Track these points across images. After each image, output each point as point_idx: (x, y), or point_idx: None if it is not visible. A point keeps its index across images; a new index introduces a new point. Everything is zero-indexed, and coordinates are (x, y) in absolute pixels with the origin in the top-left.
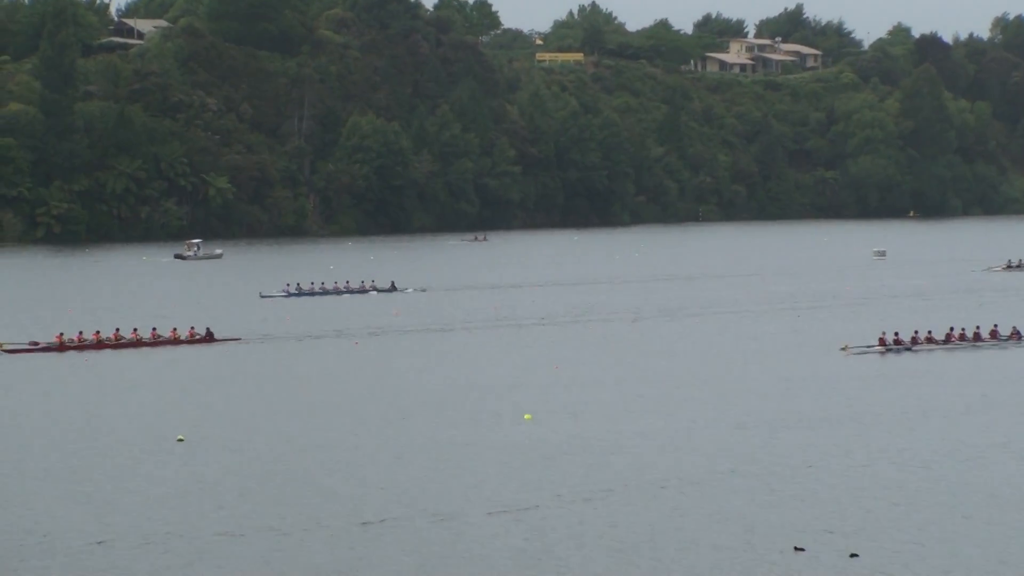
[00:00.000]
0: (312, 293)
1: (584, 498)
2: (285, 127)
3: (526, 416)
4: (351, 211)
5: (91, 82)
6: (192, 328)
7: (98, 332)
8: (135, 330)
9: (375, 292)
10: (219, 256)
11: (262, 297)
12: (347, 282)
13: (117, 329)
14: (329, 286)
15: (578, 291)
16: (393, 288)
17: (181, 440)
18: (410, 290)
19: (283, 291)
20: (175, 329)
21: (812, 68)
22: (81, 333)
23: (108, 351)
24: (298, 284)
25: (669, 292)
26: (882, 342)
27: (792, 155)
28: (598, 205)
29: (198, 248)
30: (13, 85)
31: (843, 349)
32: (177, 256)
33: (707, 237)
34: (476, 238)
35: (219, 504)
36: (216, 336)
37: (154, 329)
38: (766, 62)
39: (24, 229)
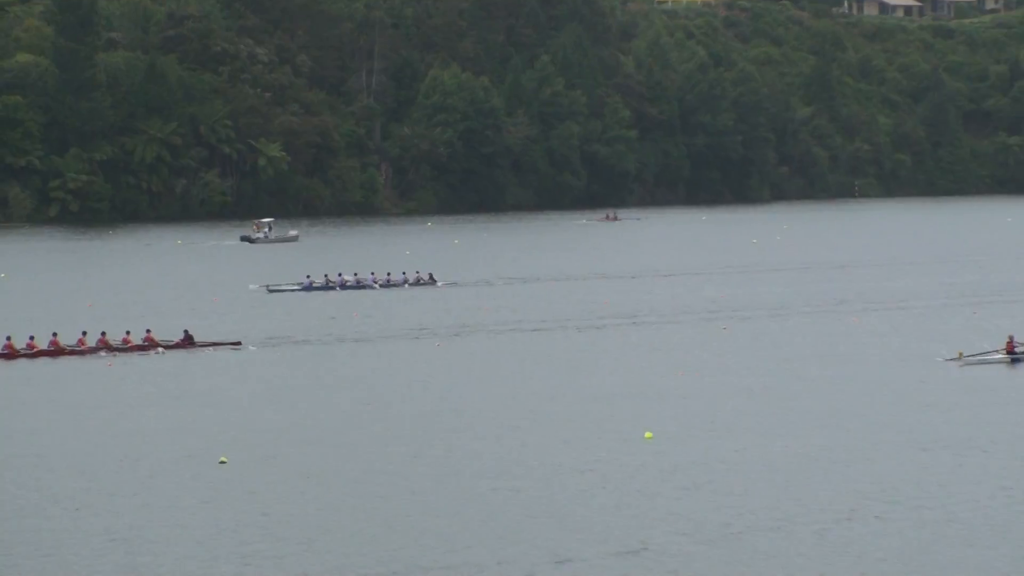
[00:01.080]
0: (344, 285)
1: (710, 539)
2: (351, 83)
3: (647, 435)
4: (431, 185)
5: (115, 28)
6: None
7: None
8: (103, 334)
9: (408, 285)
10: (294, 239)
11: (269, 292)
12: (388, 274)
13: (84, 333)
14: (363, 277)
15: (707, 282)
16: (431, 280)
17: (224, 463)
18: (441, 284)
19: (301, 283)
20: (149, 331)
21: (993, 11)
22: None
23: (71, 358)
24: (325, 276)
25: (817, 283)
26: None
27: (968, 117)
28: (731, 178)
29: (269, 229)
30: (21, 32)
31: (954, 358)
32: (244, 239)
33: (864, 216)
34: (608, 216)
35: (296, 546)
36: (197, 340)
37: (127, 333)
38: (936, 4)
39: (35, 206)
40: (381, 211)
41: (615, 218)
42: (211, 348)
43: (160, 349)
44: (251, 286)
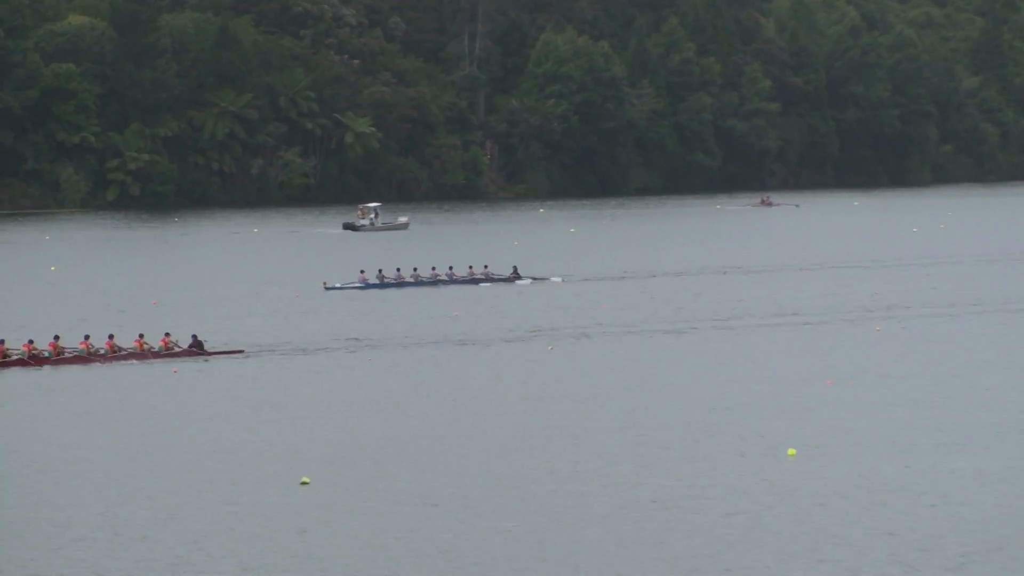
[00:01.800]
0: (403, 283)
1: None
2: (451, 48)
3: (789, 452)
4: (542, 165)
5: None
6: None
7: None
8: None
9: (488, 282)
10: (404, 226)
11: (326, 289)
12: (450, 269)
13: (86, 336)
14: (425, 274)
15: (858, 277)
16: (516, 276)
17: (306, 483)
18: (528, 280)
19: (358, 281)
20: (167, 336)
21: None
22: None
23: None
24: (380, 272)
25: (988, 279)
26: None
27: None
28: (887, 157)
29: (375, 215)
30: None
31: None
32: (347, 226)
33: None
34: (762, 201)
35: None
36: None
37: (111, 337)
38: None
39: (90, 189)
40: (485, 195)
41: (769, 203)
42: (220, 356)
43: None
44: (324, 283)
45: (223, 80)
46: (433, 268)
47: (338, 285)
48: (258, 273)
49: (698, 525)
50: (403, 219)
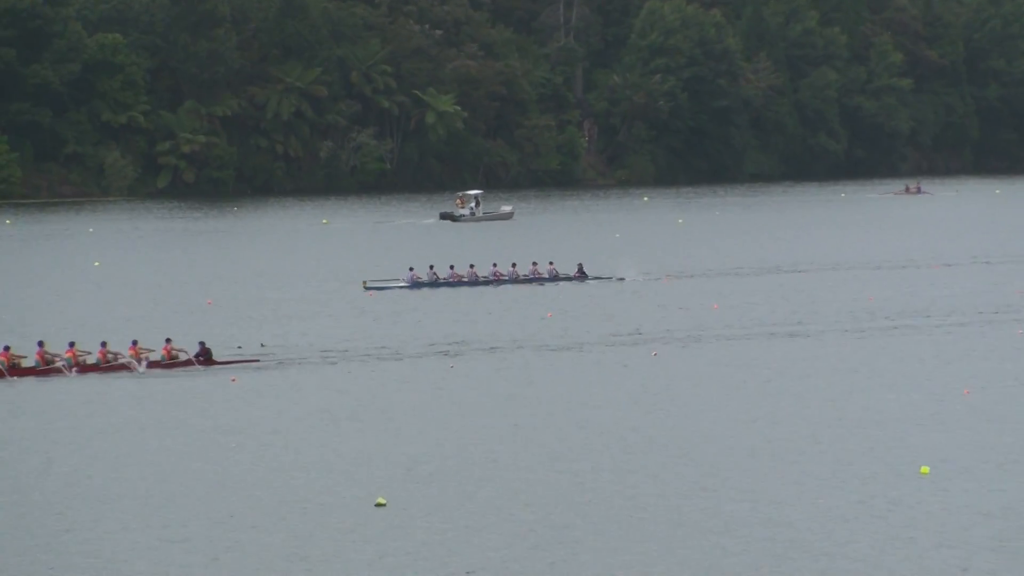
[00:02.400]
0: (454, 282)
1: None
2: (545, 17)
3: (922, 470)
4: (647, 148)
5: None
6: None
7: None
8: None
9: (553, 280)
10: (508, 216)
11: (367, 289)
12: (512, 266)
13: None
14: (484, 272)
15: (999, 274)
16: (580, 274)
17: (382, 505)
18: (592, 279)
19: (406, 280)
20: (169, 342)
21: None
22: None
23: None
24: (431, 269)
25: None
26: None
27: None
28: None
29: (476, 204)
30: None
31: None
32: (445, 216)
33: None
34: (908, 189)
35: None
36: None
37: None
38: None
39: (139, 175)
40: (583, 182)
41: (917, 191)
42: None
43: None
44: (364, 282)
45: (288, 53)
46: (494, 265)
47: (379, 285)
48: (345, 269)
49: (822, 548)
50: (507, 208)
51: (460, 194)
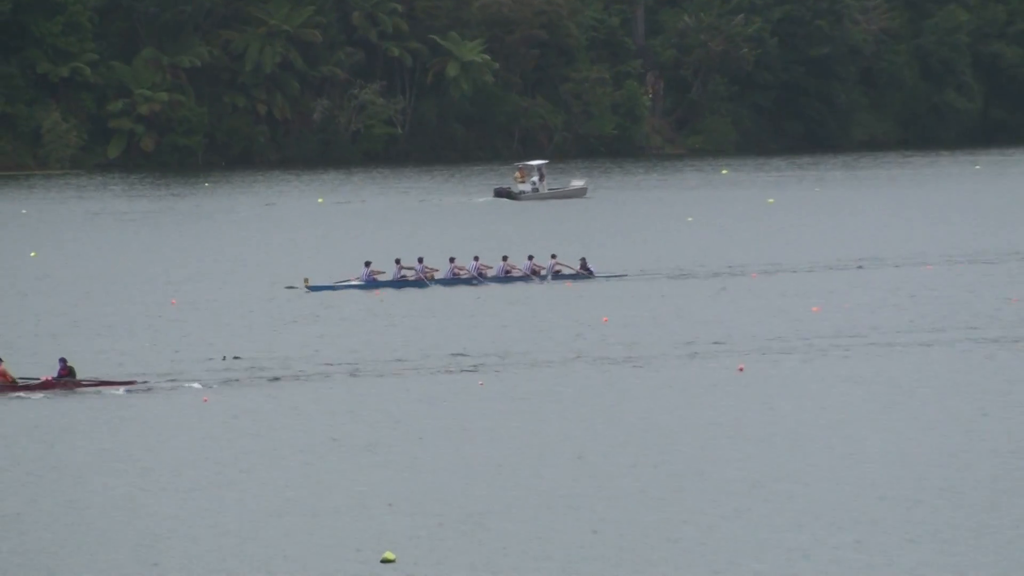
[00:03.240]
0: (458, 279)
1: None
2: None
3: None
4: (727, 108)
5: None
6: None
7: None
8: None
9: (547, 277)
10: (580, 192)
11: (309, 290)
12: (530, 259)
13: None
14: (467, 266)
15: None
16: (585, 271)
17: (390, 561)
18: (602, 276)
19: (360, 276)
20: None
21: None
22: None
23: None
24: (399, 264)
25: None
26: None
27: None
28: None
29: (539, 177)
30: None
31: None
32: (500, 193)
33: None
34: None
35: None
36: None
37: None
38: None
39: (85, 144)
40: (646, 150)
41: None
42: (98, 388)
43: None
44: (306, 280)
45: None
46: (505, 258)
47: (327, 284)
48: (348, 260)
49: None
50: (578, 183)
51: (520, 165)
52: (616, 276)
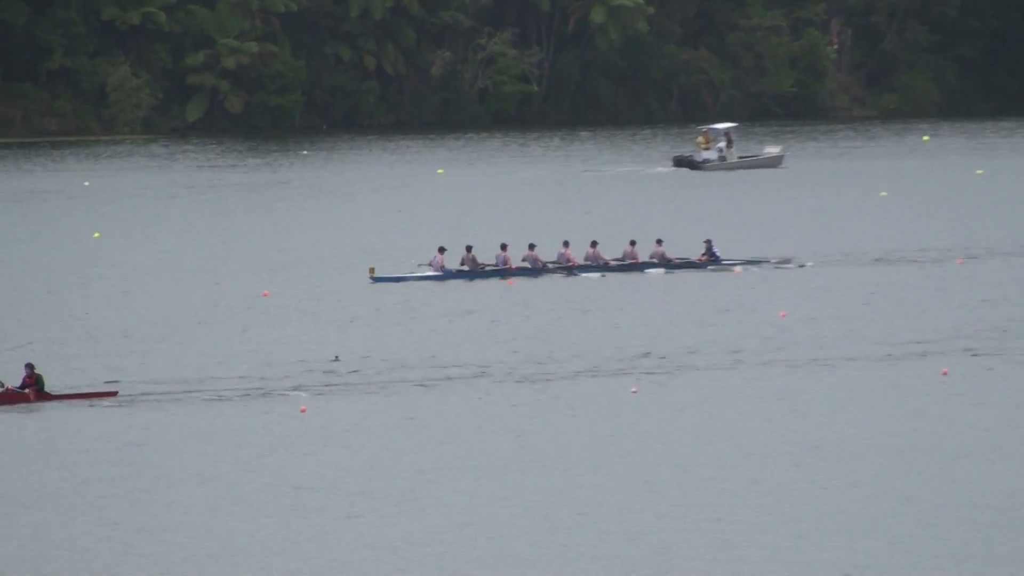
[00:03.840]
0: (507, 270)
1: None
2: None
3: None
4: (928, 61)
5: None
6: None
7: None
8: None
9: (660, 269)
10: (776, 161)
11: (373, 281)
12: (593, 246)
13: None
14: (548, 256)
15: None
16: (711, 257)
17: None
18: (738, 268)
19: (432, 267)
20: None
21: None
22: None
23: None
24: (469, 251)
25: None
26: None
27: None
28: None
29: (727, 143)
30: None
31: None
32: (680, 162)
33: None
34: None
35: None
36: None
37: None
38: None
39: (159, 103)
40: (830, 111)
41: None
42: (71, 401)
43: None
44: (371, 270)
45: None
46: (566, 244)
47: (395, 275)
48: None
49: None
50: (773, 150)
51: (703, 128)
52: (792, 265)
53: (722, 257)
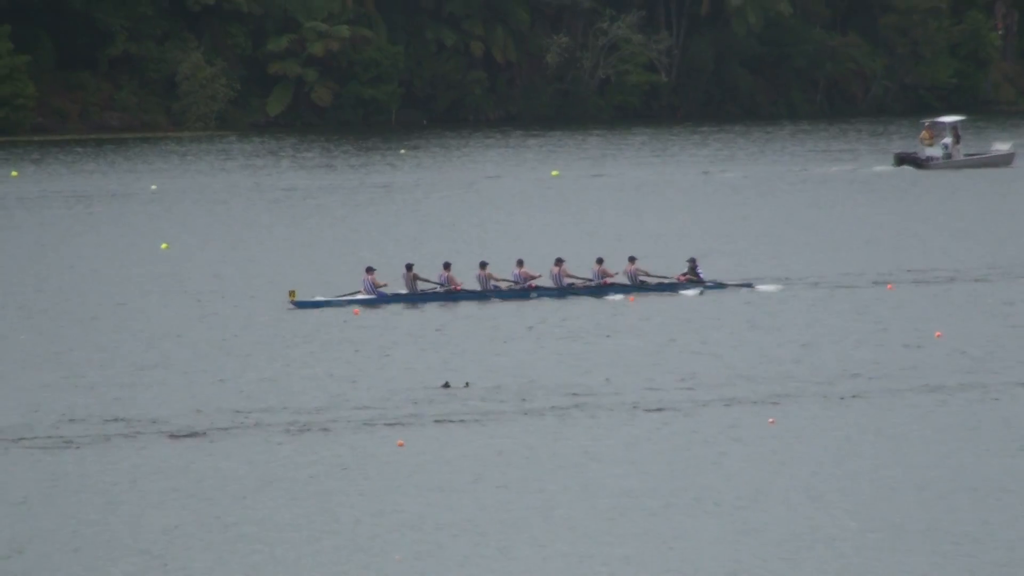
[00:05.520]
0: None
1: None
2: None
3: None
4: None
5: None
6: None
7: None
8: None
9: (693, 289)
10: (1007, 159)
11: (296, 306)
12: (598, 263)
13: None
14: (540, 273)
15: None
16: (694, 277)
17: None
18: (743, 287)
19: (361, 288)
20: None
21: None
22: None
23: None
24: (410, 269)
25: None
26: None
27: None
28: None
29: (955, 138)
30: None
31: None
32: (904, 159)
33: None
34: None
35: None
36: None
37: None
38: None
39: (236, 96)
40: (993, 104)
41: None
42: None
43: None
44: (291, 293)
45: None
46: (599, 261)
47: (318, 298)
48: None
49: None
50: (1002, 147)
51: (928, 122)
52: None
53: (706, 278)
